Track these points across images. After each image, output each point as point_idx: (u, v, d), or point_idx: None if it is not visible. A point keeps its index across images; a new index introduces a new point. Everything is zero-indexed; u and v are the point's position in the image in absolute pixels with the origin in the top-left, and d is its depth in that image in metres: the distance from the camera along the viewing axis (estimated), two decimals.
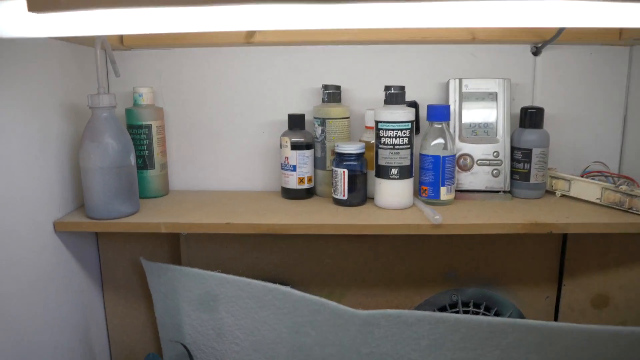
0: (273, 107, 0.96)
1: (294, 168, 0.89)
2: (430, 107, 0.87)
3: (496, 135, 0.91)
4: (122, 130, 0.80)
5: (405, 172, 0.83)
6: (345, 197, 0.85)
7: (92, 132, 0.77)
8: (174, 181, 0.99)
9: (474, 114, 0.91)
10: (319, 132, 0.91)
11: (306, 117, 0.91)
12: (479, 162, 0.91)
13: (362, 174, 0.86)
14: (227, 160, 0.98)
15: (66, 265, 0.83)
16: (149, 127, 0.89)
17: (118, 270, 0.96)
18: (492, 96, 0.91)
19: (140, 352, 1.00)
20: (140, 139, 0.89)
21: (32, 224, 0.74)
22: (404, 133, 0.82)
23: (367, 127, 0.91)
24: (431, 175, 0.85)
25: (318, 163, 0.92)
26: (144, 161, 0.90)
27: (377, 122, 0.83)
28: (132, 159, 0.81)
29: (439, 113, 0.86)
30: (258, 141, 0.97)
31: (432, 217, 0.77)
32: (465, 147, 0.91)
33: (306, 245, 0.91)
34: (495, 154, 0.91)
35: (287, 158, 0.89)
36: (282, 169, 0.91)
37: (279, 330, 0.83)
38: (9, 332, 0.68)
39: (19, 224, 0.71)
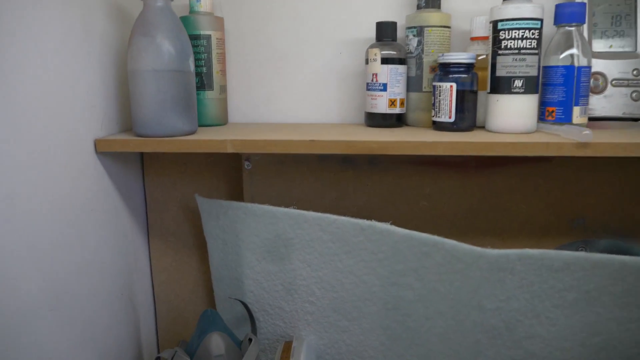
0: (353, 22, 0.79)
1: (384, 87, 0.72)
2: (559, 7, 0.69)
3: (636, 49, 0.73)
4: (179, 27, 0.64)
5: (531, 85, 0.66)
6: (452, 119, 0.68)
7: (144, 25, 0.62)
8: (230, 112, 0.83)
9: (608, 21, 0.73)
10: (414, 44, 0.73)
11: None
12: (614, 82, 0.72)
13: (472, 92, 0.68)
14: (296, 87, 0.82)
15: (107, 198, 0.68)
16: (208, 38, 0.74)
17: (166, 215, 0.81)
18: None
19: (189, 314, 0.84)
20: (198, 52, 0.73)
21: (70, 140, 0.59)
22: (533, 34, 0.65)
23: (473, 39, 0.73)
24: (561, 92, 0.67)
25: (412, 83, 0.75)
26: (201, 80, 0.74)
27: (495, 23, 0.66)
28: (191, 65, 0.65)
29: (572, 13, 0.68)
30: (334, 63, 0.81)
31: (577, 134, 0.59)
32: (597, 64, 0.72)
33: (397, 183, 0.73)
34: (635, 72, 0.72)
35: (376, 75, 0.72)
36: (369, 89, 0.74)
37: (369, 282, 0.66)
38: (39, 271, 0.53)
39: (55, 141, 0.56)
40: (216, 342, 0.63)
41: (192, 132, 0.67)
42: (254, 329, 0.71)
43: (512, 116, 0.67)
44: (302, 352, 0.69)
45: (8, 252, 0.48)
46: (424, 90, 0.74)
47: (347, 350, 0.73)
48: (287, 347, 0.71)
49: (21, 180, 0.50)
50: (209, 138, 0.62)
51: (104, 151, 0.64)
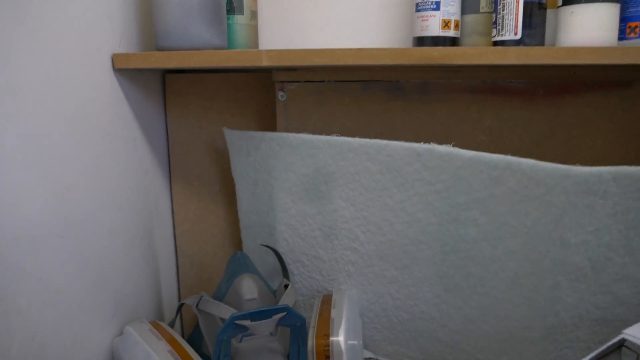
0: None
1: (437, 6, 0.63)
2: None
3: None
4: None
5: None
6: (518, 36, 0.59)
7: None
8: (261, 44, 0.75)
9: None
10: None
11: None
12: None
13: (541, 5, 0.59)
14: (335, 16, 0.73)
15: (125, 126, 0.60)
16: None
17: (190, 157, 0.73)
18: None
19: (214, 270, 0.76)
20: None
21: (85, 54, 0.51)
22: None
23: None
24: None
25: (467, 5, 0.66)
26: (230, 2, 0.66)
27: None
28: None
29: None
30: None
31: None
32: None
33: (452, 115, 0.64)
34: None
35: None
36: (419, 10, 0.65)
37: (424, 221, 0.57)
38: (45, 187, 0.45)
39: (69, 53, 0.48)
40: (248, 285, 0.55)
41: (222, 47, 0.59)
42: (286, 276, 0.63)
43: (590, 29, 0.57)
44: (344, 304, 0.60)
45: (9, 161, 0.41)
46: (481, 11, 0.65)
47: (394, 305, 0.64)
48: (327, 299, 0.63)
49: (29, 88, 0.43)
50: (241, 50, 0.54)
51: (122, 67, 0.56)
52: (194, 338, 0.60)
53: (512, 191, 0.50)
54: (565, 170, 0.47)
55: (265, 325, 0.48)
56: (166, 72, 0.71)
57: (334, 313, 0.58)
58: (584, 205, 0.47)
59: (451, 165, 0.53)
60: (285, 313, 0.49)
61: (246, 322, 0.48)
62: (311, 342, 0.54)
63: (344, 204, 0.61)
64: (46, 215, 0.45)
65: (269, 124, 0.71)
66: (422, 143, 0.54)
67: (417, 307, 0.62)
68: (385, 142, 0.56)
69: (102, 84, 0.55)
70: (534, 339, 0.55)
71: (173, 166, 0.73)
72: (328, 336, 0.54)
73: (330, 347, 0.53)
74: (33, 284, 0.43)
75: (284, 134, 0.61)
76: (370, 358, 0.68)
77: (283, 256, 0.67)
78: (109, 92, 0.56)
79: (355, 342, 0.54)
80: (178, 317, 0.71)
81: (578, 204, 0.47)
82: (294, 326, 0.51)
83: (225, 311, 0.51)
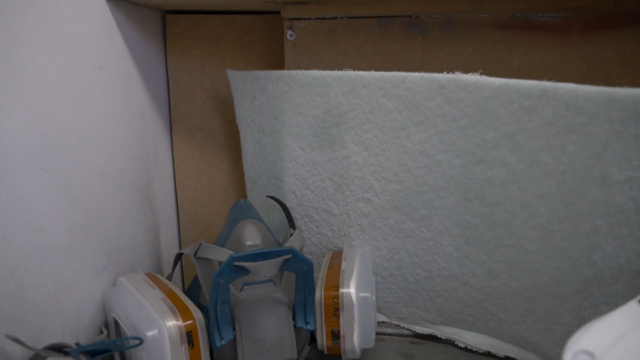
0: None
1: None
2: None
3: None
4: None
5: None
6: None
7: None
8: None
9: None
10: None
11: None
12: None
13: None
14: None
15: (120, 62, 0.56)
16: None
17: (193, 106, 0.68)
18: None
19: (217, 227, 0.71)
20: None
21: None
22: None
23: None
24: None
25: None
26: None
27: None
28: None
29: None
30: None
31: None
32: None
33: (477, 53, 0.58)
34: None
35: None
36: None
37: (446, 164, 0.52)
38: (24, 111, 0.40)
39: None
40: (250, 231, 0.50)
41: None
42: (293, 227, 0.58)
43: None
44: (357, 257, 0.55)
45: None
46: None
47: (410, 262, 0.58)
48: (337, 254, 0.58)
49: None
50: None
51: None
52: (192, 289, 0.55)
53: (548, 123, 0.44)
54: (610, 93, 0.41)
55: (267, 268, 0.43)
56: (166, 13, 0.66)
57: (344, 265, 0.53)
58: (631, 134, 0.41)
59: (478, 96, 0.47)
60: (290, 255, 0.44)
61: (246, 264, 0.43)
62: (319, 294, 0.49)
63: (357, 149, 0.56)
64: (24, 142, 0.40)
65: (277, 57, 0.66)
66: (445, 72, 0.49)
67: (436, 263, 0.57)
68: (403, 74, 0.50)
69: (93, 10, 0.50)
70: (566, 295, 0.49)
71: (174, 116, 0.69)
72: (338, 287, 0.49)
73: (340, 299, 0.48)
74: (8, 216, 0.39)
75: (292, 72, 0.56)
76: (384, 322, 0.63)
77: (291, 211, 0.62)
78: (101, 21, 0.51)
79: (367, 294, 0.49)
80: (179, 271, 0.66)
81: (624, 133, 0.41)
82: (300, 271, 0.45)
83: (223, 254, 0.47)
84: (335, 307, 0.48)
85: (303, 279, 0.46)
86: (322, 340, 0.49)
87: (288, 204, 0.62)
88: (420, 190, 0.54)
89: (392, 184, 0.56)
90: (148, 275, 0.53)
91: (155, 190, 0.64)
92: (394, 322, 0.62)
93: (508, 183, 0.49)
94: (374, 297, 0.51)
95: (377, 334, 0.56)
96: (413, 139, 0.53)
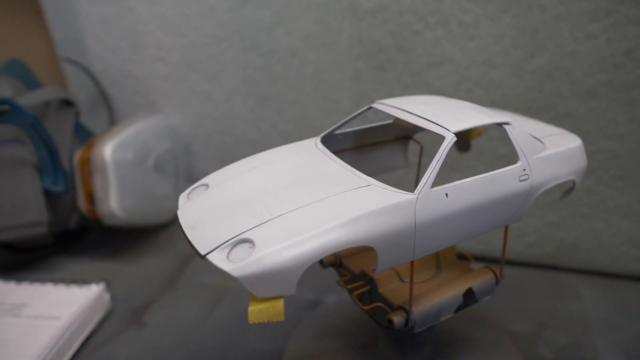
0: None
1: None
2: None
3: None
4: None
5: None
6: None
7: None
8: None
9: None
10: None
11: None
12: None
13: None
14: None
15: None
16: None
17: None
18: None
19: None
20: None
21: None
22: None
23: None
24: None
25: None
26: None
27: None
28: None
29: None
30: None
31: None
32: None
33: None
34: None
35: None
36: None
37: (218, 7, 0.45)
38: None
39: None
40: None
41: None
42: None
43: None
44: (138, 120, 0.50)
45: None
46: None
47: (217, 129, 0.54)
48: (130, 119, 0.53)
49: None
50: None
51: None
52: None
53: None
54: None
55: None
56: None
57: (116, 128, 0.48)
58: None
59: None
60: (6, 107, 0.39)
61: None
62: (77, 156, 0.45)
63: None
64: None
65: None
66: None
67: (237, 127, 0.52)
68: None
69: None
70: None
71: None
72: (92, 146, 0.45)
73: (92, 159, 0.44)
74: None
75: None
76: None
77: (100, 79, 0.56)
78: None
79: (125, 155, 0.45)
80: None
81: None
82: (27, 126, 0.41)
83: None
84: (89, 167, 0.44)
85: (34, 134, 0.42)
86: (81, 202, 0.46)
87: (96, 70, 0.56)
88: (203, 43, 0.48)
89: (178, 38, 0.50)
90: None
91: None
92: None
93: (275, 26, 0.42)
94: (152, 165, 0.47)
95: None
96: None
